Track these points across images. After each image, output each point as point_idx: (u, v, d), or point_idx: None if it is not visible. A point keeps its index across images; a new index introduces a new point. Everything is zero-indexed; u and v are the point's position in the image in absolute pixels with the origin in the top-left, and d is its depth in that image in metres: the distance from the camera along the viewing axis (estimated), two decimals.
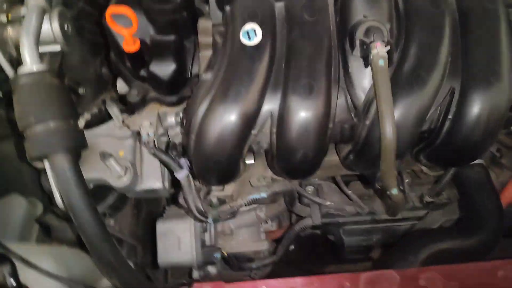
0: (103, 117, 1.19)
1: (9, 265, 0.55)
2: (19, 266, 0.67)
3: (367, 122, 0.77)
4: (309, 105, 0.73)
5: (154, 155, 0.89)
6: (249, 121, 0.75)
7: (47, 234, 1.17)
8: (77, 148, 0.81)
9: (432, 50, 0.76)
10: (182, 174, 0.90)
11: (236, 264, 1.28)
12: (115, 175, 1.01)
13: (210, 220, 0.96)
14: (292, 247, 1.51)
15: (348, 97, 0.80)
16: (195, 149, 0.76)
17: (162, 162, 0.91)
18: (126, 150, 1.10)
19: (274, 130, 0.77)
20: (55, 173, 0.77)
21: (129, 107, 1.00)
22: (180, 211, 1.30)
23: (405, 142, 0.76)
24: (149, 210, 1.48)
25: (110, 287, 0.96)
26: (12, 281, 0.54)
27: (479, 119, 0.76)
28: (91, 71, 1.33)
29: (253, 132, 0.77)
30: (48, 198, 1.19)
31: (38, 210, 1.21)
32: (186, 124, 0.80)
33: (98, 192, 1.17)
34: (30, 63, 0.78)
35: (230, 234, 1.33)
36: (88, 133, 1.10)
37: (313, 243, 1.54)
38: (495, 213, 0.98)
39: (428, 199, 1.11)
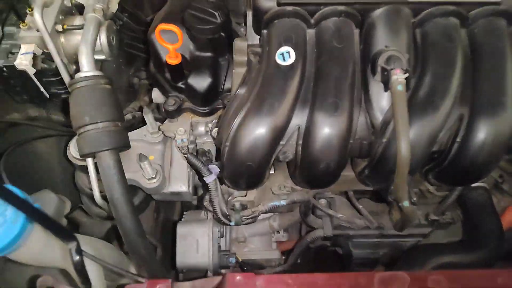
0: (135, 124, 1.29)
1: (75, 242, 0.63)
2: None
3: (384, 140, 0.86)
4: (333, 121, 0.82)
5: (187, 159, 0.98)
6: (279, 133, 0.84)
7: (75, 230, 1.24)
8: (122, 147, 0.89)
9: (445, 79, 0.85)
10: (211, 178, 0.99)
11: (249, 270, 1.35)
12: (146, 177, 1.09)
13: (232, 223, 1.04)
14: (298, 260, 1.58)
15: (368, 116, 0.89)
16: (229, 155, 0.85)
17: (193, 166, 0.99)
18: (156, 154, 1.19)
19: (300, 142, 0.86)
20: (102, 169, 0.85)
21: (164, 115, 1.09)
22: (198, 215, 1.38)
23: (417, 159, 0.84)
24: (166, 215, 1.55)
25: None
26: (77, 257, 0.62)
27: (484, 143, 0.85)
28: (124, 79, 1.44)
29: (282, 142, 0.86)
30: (78, 196, 1.28)
31: (67, 207, 1.29)
32: (220, 133, 0.89)
33: None
34: (88, 68, 0.87)
35: (244, 241, 1.40)
36: None
37: (320, 257, 1.60)
38: (496, 232, 1.05)
39: (433, 217, 1.19)
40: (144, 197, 1.30)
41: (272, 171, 1.10)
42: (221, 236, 1.31)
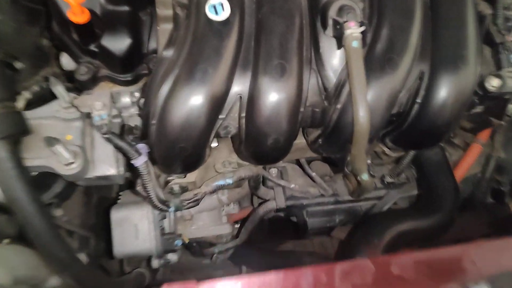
0: (46, 96, 1.06)
1: None
2: None
3: (339, 106, 0.74)
4: (281, 87, 0.69)
5: (108, 140, 0.81)
6: (217, 104, 0.69)
7: None
8: (15, 134, 0.70)
9: (403, 31, 0.74)
10: (140, 161, 0.83)
11: (198, 250, 1.24)
12: (63, 162, 0.91)
13: (172, 209, 0.90)
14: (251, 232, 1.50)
15: (319, 79, 0.76)
16: (157, 136, 0.69)
17: (117, 147, 0.82)
18: (74, 133, 0.99)
19: (243, 114, 0.72)
20: None
21: (78, 86, 0.89)
22: (136, 197, 1.22)
23: (376, 126, 0.74)
24: (100, 196, 1.37)
25: (61, 285, 0.88)
26: None
27: (446, 102, 0.77)
28: (29, 42, 1.17)
29: (221, 116, 0.72)
30: None
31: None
32: (145, 107, 0.72)
33: (43, 179, 1.06)
34: None
35: (190, 219, 1.28)
36: (29, 115, 0.98)
37: (274, 227, 1.54)
38: (452, 193, 1.02)
39: (389, 179, 1.13)
40: (67, 183, 1.11)
41: (215, 144, 0.96)
42: (163, 217, 1.17)
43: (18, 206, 0.68)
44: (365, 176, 0.75)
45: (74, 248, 1.12)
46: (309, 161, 1.19)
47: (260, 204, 1.18)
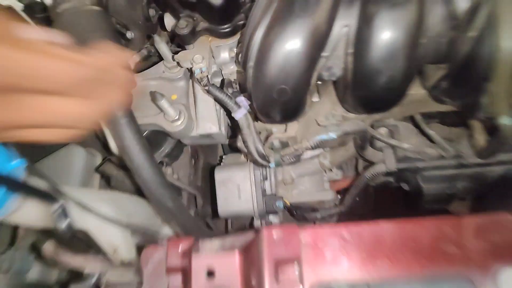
0: (154, 60, 1.11)
1: (58, 204, 0.50)
2: (77, 210, 0.63)
3: (472, 34, 0.60)
4: (396, 16, 0.58)
5: (209, 92, 0.79)
6: (319, 39, 0.61)
7: (107, 184, 1.16)
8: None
9: None
10: (240, 113, 0.80)
11: (299, 214, 1.20)
12: (169, 119, 0.94)
13: (272, 164, 0.86)
14: (356, 200, 1.40)
15: (446, 2, 0.62)
16: (255, 79, 0.65)
17: (218, 100, 0.81)
18: (179, 93, 1.02)
19: (351, 50, 0.63)
20: None
21: (179, 42, 0.90)
22: (239, 159, 1.22)
23: None
24: (206, 160, 1.42)
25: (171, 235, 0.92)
26: (62, 224, 0.49)
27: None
28: (138, 13, 1.25)
29: (324, 54, 0.64)
30: (106, 148, 1.17)
31: (97, 160, 1.20)
32: (242, 52, 0.68)
33: (155, 140, 1.12)
34: None
35: (291, 183, 1.24)
36: (138, 77, 1.03)
37: (381, 195, 1.41)
38: None
39: None
40: (175, 143, 1.16)
41: (316, 99, 0.89)
42: (265, 178, 1.15)
43: (130, 156, 0.71)
44: (505, 120, 0.60)
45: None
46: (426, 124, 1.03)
47: (366, 167, 1.08)
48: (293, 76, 0.62)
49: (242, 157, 1.21)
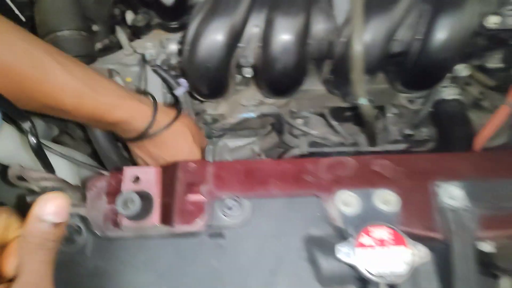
0: (113, 48, 1.30)
1: (29, 122, 0.66)
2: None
3: (343, 39, 0.86)
4: (288, 22, 0.83)
5: (155, 71, 1.00)
6: (235, 34, 0.85)
7: None
8: (86, 56, 0.92)
9: None
10: (180, 91, 1.01)
11: None
12: None
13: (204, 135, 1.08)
14: None
15: (329, 17, 0.89)
16: (188, 58, 0.87)
17: (162, 78, 1.02)
18: (133, 76, 1.22)
19: (260, 44, 0.87)
20: None
21: (135, 33, 1.11)
22: None
23: (374, 57, 0.85)
24: None
25: None
26: (32, 139, 0.65)
27: (444, 40, 0.84)
28: (105, 10, 1.44)
29: (241, 45, 0.88)
30: (62, 120, 1.33)
31: (54, 132, 1.35)
32: (183, 39, 0.90)
33: None
34: None
35: None
36: (101, 61, 1.22)
37: None
38: (464, 141, 1.06)
39: (407, 131, 1.20)
40: None
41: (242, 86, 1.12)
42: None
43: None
44: (362, 100, 0.86)
45: None
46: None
47: (284, 151, 1.32)
48: (215, 57, 0.85)
49: None
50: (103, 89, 0.71)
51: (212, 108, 1.08)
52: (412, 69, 0.91)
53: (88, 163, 0.91)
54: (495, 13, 0.83)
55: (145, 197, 0.63)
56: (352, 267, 0.58)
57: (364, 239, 0.61)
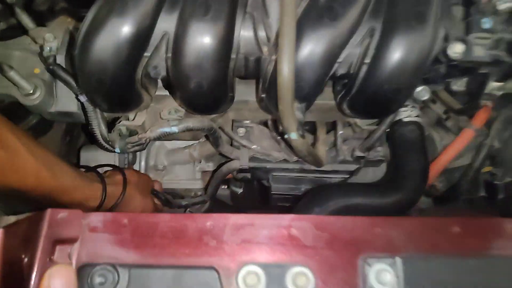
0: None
1: None
2: None
3: (274, 57, 0.69)
4: (205, 28, 0.65)
5: (52, 72, 0.82)
6: (139, 39, 0.67)
7: None
8: None
9: None
10: (84, 97, 0.83)
11: (163, 198, 1.26)
12: (23, 92, 0.94)
13: (117, 149, 0.91)
14: (241, 190, 1.50)
15: (261, 26, 0.71)
16: (78, 66, 0.69)
17: (62, 80, 0.83)
18: (42, 67, 1.02)
19: (170, 55, 0.69)
20: None
21: (37, 18, 0.91)
22: None
23: (309, 81, 0.69)
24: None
25: None
26: None
27: (395, 65, 0.69)
28: None
29: (146, 54, 0.70)
30: None
31: None
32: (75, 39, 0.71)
33: (17, 111, 1.11)
34: None
35: (163, 170, 1.30)
36: (3, 45, 1.01)
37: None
38: (419, 174, 0.93)
39: (358, 153, 1.06)
40: (43, 118, 1.16)
41: (162, 92, 0.94)
42: (132, 163, 1.20)
43: None
44: (293, 135, 0.70)
45: None
46: None
47: (224, 162, 1.16)
48: (111, 68, 0.67)
49: None
50: (60, 171, 0.73)
51: (128, 117, 0.91)
52: (358, 96, 0.76)
53: None
54: (461, 40, 0.68)
55: None
56: None
57: None
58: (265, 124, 1.12)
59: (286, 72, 0.62)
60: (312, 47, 0.66)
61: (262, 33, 0.71)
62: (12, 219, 0.65)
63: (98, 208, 0.85)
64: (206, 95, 0.71)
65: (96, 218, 0.58)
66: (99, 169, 0.98)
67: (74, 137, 1.36)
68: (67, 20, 0.90)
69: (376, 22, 0.69)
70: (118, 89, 0.70)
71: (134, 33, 0.65)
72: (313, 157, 0.81)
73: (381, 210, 0.90)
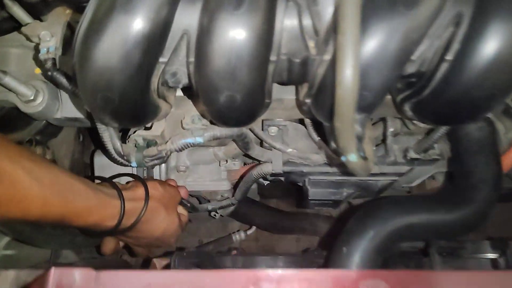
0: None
1: None
2: None
3: (326, 57, 0.53)
4: (237, 23, 0.49)
5: (52, 79, 0.68)
6: (152, 39, 0.51)
7: None
8: None
9: None
10: None
11: (189, 204, 1.14)
12: (23, 99, 0.81)
13: (134, 163, 0.78)
14: (267, 181, 1.37)
15: (307, 17, 0.54)
16: (78, 79, 0.54)
17: (64, 89, 0.69)
18: None
19: (192, 59, 0.54)
20: None
21: (30, 11, 0.76)
22: None
23: (376, 89, 0.53)
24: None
25: None
26: None
27: (492, 63, 0.51)
28: None
29: (162, 59, 0.54)
30: None
31: None
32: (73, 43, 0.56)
33: (23, 115, 0.99)
34: None
35: (185, 171, 1.17)
36: None
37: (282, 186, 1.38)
38: (491, 183, 0.77)
39: (413, 155, 0.90)
40: None
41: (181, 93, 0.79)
42: (151, 166, 1.07)
43: None
44: (351, 157, 0.55)
45: None
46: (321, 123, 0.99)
47: (255, 165, 1.02)
48: (119, 83, 0.52)
49: None
50: (71, 194, 0.65)
51: (144, 127, 0.77)
52: (431, 99, 0.59)
53: None
54: None
55: None
56: None
57: None
58: (300, 120, 0.97)
59: (349, 81, 0.46)
60: (382, 45, 0.49)
61: (308, 25, 0.54)
62: (11, 274, 0.54)
63: (115, 228, 0.75)
64: (239, 109, 0.56)
65: (110, 279, 0.47)
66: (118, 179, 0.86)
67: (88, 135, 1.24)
68: (65, 12, 0.75)
69: (464, 6, 0.51)
70: (130, 105, 0.55)
71: (145, 34, 0.50)
72: (367, 172, 0.66)
73: (447, 229, 0.76)
